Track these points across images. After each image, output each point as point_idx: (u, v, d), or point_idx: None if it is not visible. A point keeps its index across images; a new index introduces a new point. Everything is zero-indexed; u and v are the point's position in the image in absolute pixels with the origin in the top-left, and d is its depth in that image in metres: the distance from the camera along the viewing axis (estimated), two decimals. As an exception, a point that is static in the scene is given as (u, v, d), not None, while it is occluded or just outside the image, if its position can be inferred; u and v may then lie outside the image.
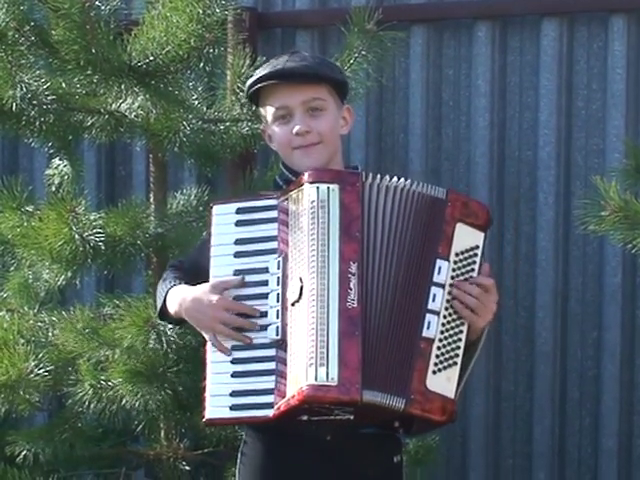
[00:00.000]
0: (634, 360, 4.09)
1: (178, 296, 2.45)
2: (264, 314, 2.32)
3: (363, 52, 3.53)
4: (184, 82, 3.41)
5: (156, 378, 3.33)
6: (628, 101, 4.01)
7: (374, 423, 2.39)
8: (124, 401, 3.34)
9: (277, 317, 2.30)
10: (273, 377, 2.28)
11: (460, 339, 2.33)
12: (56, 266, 3.42)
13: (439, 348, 2.30)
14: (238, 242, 2.39)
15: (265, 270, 2.35)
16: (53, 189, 3.62)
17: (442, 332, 2.31)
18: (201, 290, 2.40)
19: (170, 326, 3.17)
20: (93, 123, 3.43)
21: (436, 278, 2.32)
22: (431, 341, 2.29)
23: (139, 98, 3.32)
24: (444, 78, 4.25)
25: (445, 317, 2.32)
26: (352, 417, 2.28)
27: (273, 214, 2.38)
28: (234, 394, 2.31)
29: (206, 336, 2.39)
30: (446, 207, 2.36)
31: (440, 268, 2.32)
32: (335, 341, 2.21)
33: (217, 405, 2.32)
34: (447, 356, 2.31)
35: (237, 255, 2.38)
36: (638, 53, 4.03)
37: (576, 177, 4.11)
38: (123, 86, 3.24)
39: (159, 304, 2.52)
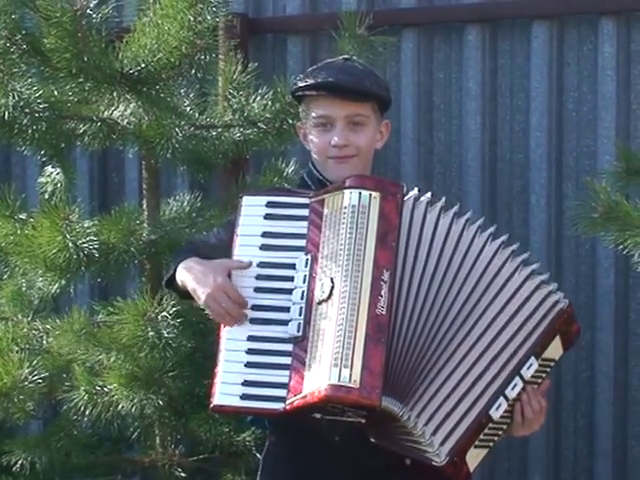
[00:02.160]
0: (628, 361, 4.10)
1: (188, 266, 2.45)
2: (286, 309, 2.33)
3: (354, 57, 3.53)
4: (176, 89, 3.41)
5: (154, 382, 3.33)
6: (618, 103, 4.02)
7: (389, 447, 2.41)
8: (120, 406, 3.34)
9: (300, 314, 2.31)
10: (287, 372, 2.29)
11: (503, 429, 2.44)
12: (50, 274, 3.42)
13: (489, 428, 2.39)
14: (265, 235, 2.40)
15: (291, 266, 2.36)
16: (46, 197, 3.62)
17: (499, 417, 2.39)
18: (210, 266, 2.41)
19: (168, 322, 3.19)
20: (85, 131, 3.43)
21: (524, 372, 2.41)
22: (491, 420, 2.38)
23: (131, 105, 3.32)
24: (435, 82, 4.26)
25: (509, 406, 2.41)
26: (363, 421, 2.30)
27: (304, 212, 2.39)
28: (246, 383, 2.32)
29: (206, 308, 2.40)
30: (561, 317, 2.47)
31: (531, 365, 2.42)
32: (361, 345, 2.23)
33: (227, 392, 2.33)
34: (489, 437, 2.41)
35: (263, 248, 2.39)
36: (628, 55, 4.04)
37: (567, 179, 4.12)
38: (115, 93, 3.25)
39: (170, 273, 2.52)
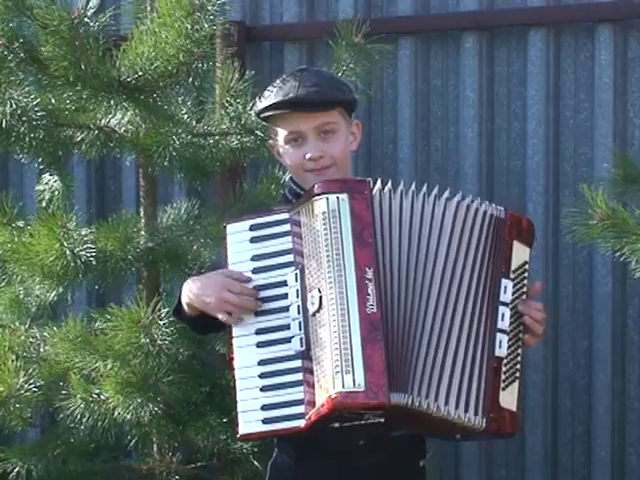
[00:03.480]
0: (625, 368, 4.10)
1: (186, 287, 2.50)
2: (286, 327, 2.36)
3: (351, 65, 3.55)
4: (173, 97, 3.41)
5: (148, 388, 3.33)
6: (615, 110, 4.03)
7: (430, 436, 2.49)
8: (116, 413, 3.33)
9: (300, 329, 2.34)
10: (301, 388, 2.32)
11: (519, 354, 2.43)
12: (47, 282, 3.42)
13: (505, 365, 2.39)
14: (255, 258, 2.42)
15: (284, 283, 2.38)
16: (43, 205, 3.62)
17: (507, 349, 2.39)
18: (206, 277, 2.47)
19: (163, 330, 3.20)
20: (83, 138, 3.43)
21: (503, 297, 2.40)
22: (502, 359, 2.38)
23: (128, 113, 3.32)
24: (432, 89, 4.27)
25: (508, 334, 2.40)
26: (383, 420, 2.33)
27: (286, 227, 2.41)
28: (265, 407, 2.35)
29: (219, 316, 2.42)
30: (505, 226, 2.43)
31: (506, 287, 2.41)
32: (359, 347, 2.25)
33: (249, 420, 2.37)
34: (511, 372, 2.40)
35: (255, 271, 2.42)
36: (624, 62, 4.05)
37: (565, 186, 4.13)
38: (112, 101, 3.25)
39: (175, 304, 2.57)
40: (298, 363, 2.34)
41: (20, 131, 3.35)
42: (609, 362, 4.08)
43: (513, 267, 2.43)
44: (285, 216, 2.42)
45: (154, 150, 3.36)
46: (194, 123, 3.52)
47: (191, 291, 2.48)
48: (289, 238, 2.40)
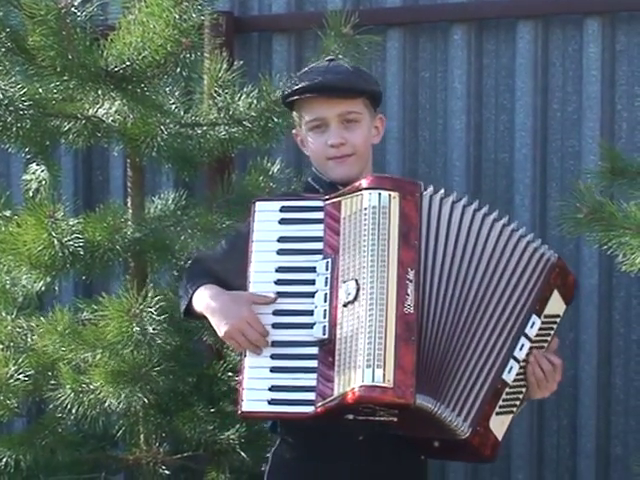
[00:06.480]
0: (611, 361, 4.12)
1: (207, 297, 2.47)
2: (309, 312, 2.35)
3: (339, 56, 3.54)
4: (161, 87, 3.40)
5: (140, 378, 3.33)
6: (603, 103, 4.04)
7: (413, 435, 2.45)
8: (106, 403, 3.33)
9: (324, 317, 2.33)
10: (314, 375, 2.31)
11: (522, 392, 2.47)
12: (34, 272, 3.41)
13: (507, 393, 2.42)
14: (282, 240, 2.41)
15: (312, 269, 2.37)
16: (30, 194, 3.61)
17: (514, 380, 2.42)
18: (231, 299, 2.43)
19: (153, 318, 3.20)
20: (70, 128, 3.42)
21: (528, 330, 2.44)
22: (506, 385, 2.41)
23: (116, 103, 3.32)
24: (420, 81, 4.27)
25: (521, 368, 2.44)
26: (395, 419, 2.33)
27: (319, 215, 2.41)
28: (273, 389, 2.34)
29: (227, 342, 2.43)
30: (554, 271, 2.48)
31: (534, 323, 2.45)
32: (392, 344, 2.26)
33: (255, 399, 2.35)
34: (509, 403, 2.43)
35: (280, 252, 2.41)
36: (613, 55, 4.06)
37: (552, 179, 4.14)
38: (100, 91, 3.24)
39: (184, 302, 2.53)
40: (314, 350, 2.33)
41: (7, 121, 3.33)
42: (595, 354, 4.09)
43: (546, 312, 2.48)
44: (319, 204, 2.42)
45: (142, 140, 3.36)
46: (182, 113, 3.51)
47: (209, 307, 2.46)
48: (321, 226, 2.39)
